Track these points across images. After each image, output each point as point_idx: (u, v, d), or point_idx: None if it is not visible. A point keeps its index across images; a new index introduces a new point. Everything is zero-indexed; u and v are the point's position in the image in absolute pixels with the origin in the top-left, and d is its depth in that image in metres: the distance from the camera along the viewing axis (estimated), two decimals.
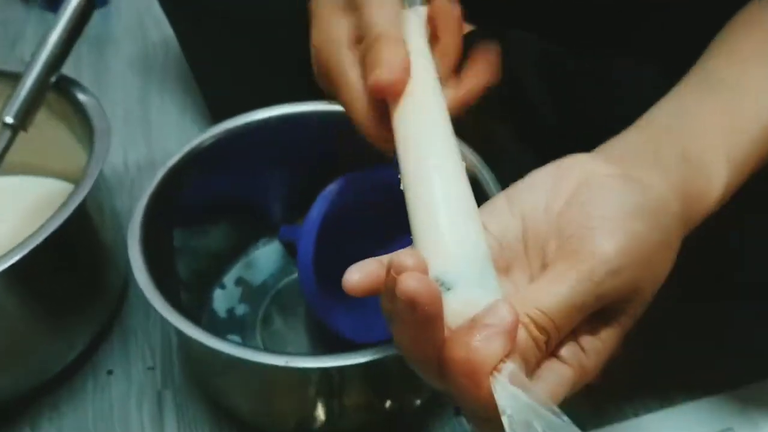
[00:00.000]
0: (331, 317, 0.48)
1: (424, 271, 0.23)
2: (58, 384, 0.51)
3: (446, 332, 0.23)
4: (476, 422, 0.25)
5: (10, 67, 0.56)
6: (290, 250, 0.59)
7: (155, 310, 0.40)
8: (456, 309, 0.24)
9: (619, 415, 0.49)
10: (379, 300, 0.41)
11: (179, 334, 0.42)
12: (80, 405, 0.50)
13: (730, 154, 0.30)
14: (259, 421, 0.48)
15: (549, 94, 0.54)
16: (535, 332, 0.24)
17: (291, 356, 0.38)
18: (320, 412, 0.45)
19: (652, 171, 0.28)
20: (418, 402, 0.48)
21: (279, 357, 0.38)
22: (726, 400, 0.50)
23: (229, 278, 0.58)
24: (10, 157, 0.50)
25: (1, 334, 0.45)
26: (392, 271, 0.23)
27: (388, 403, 0.46)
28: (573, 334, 0.26)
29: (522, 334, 0.23)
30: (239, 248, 0.59)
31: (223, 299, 0.56)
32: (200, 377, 0.51)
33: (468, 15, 0.68)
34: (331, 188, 0.48)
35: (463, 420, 0.49)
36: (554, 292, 0.24)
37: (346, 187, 0.47)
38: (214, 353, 0.39)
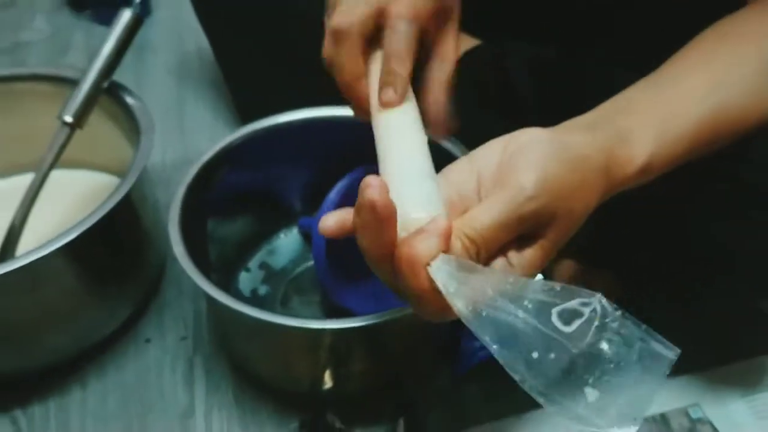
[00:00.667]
0: (340, 295, 0.55)
1: (386, 190, 0.30)
2: (104, 349, 0.58)
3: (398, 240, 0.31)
4: (418, 309, 0.32)
5: (69, 71, 0.64)
6: (308, 239, 0.66)
7: (188, 289, 0.47)
8: (406, 223, 0.31)
9: None
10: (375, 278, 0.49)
11: (210, 302, 0.49)
12: (122, 368, 0.57)
13: (659, 135, 0.36)
14: (276, 382, 0.54)
15: (537, 92, 0.59)
16: (467, 243, 0.30)
17: (304, 319, 0.45)
18: (329, 375, 0.51)
19: (582, 135, 0.35)
20: (417, 368, 0.54)
21: (293, 319, 0.45)
22: (694, 379, 0.55)
23: (253, 262, 0.65)
24: (66, 152, 0.58)
25: (59, 301, 0.52)
26: (360, 189, 0.29)
27: (388, 369, 0.52)
28: (503, 252, 0.32)
29: (457, 244, 0.30)
30: (263, 236, 0.66)
31: (247, 281, 0.63)
32: (226, 344, 0.58)
33: (468, 25, 0.74)
34: (344, 182, 0.54)
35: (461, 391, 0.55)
36: (484, 213, 0.31)
37: (357, 180, 0.54)
38: (239, 317, 0.46)
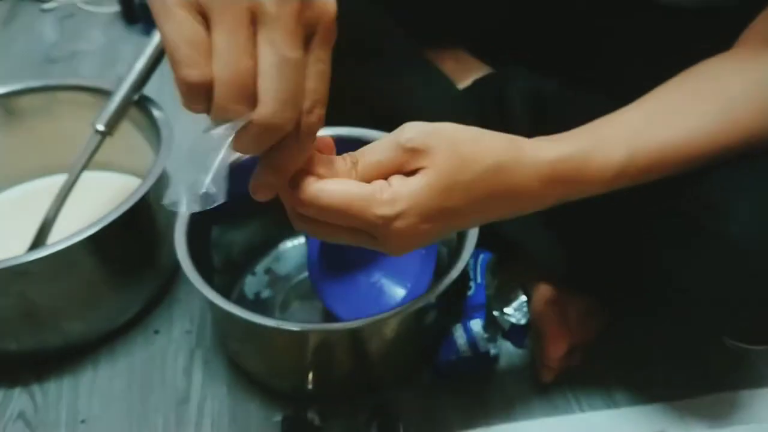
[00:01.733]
0: (329, 299, 0.59)
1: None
2: (116, 336, 0.64)
3: None
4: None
5: (108, 83, 0.70)
6: None
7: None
8: None
9: (567, 409, 0.58)
10: (371, 290, 0.54)
11: (205, 301, 0.53)
12: (131, 354, 0.63)
13: (631, 149, 0.41)
14: (264, 379, 0.59)
15: (532, 124, 0.62)
16: (348, 160, 0.36)
17: (286, 321, 0.49)
18: (311, 375, 0.55)
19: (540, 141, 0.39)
20: (396, 373, 0.58)
21: (276, 321, 0.49)
22: (663, 407, 0.57)
23: (260, 267, 0.70)
24: (97, 156, 0.64)
25: (80, 289, 0.58)
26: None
27: (367, 372, 0.56)
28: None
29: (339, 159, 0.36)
30: (271, 243, 0.71)
31: (252, 284, 0.68)
32: (222, 340, 0.63)
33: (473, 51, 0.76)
34: None
35: (438, 396, 0.59)
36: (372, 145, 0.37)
37: None
38: (230, 317, 0.50)
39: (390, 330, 0.53)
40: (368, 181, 0.36)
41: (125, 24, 1.12)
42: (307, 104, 0.32)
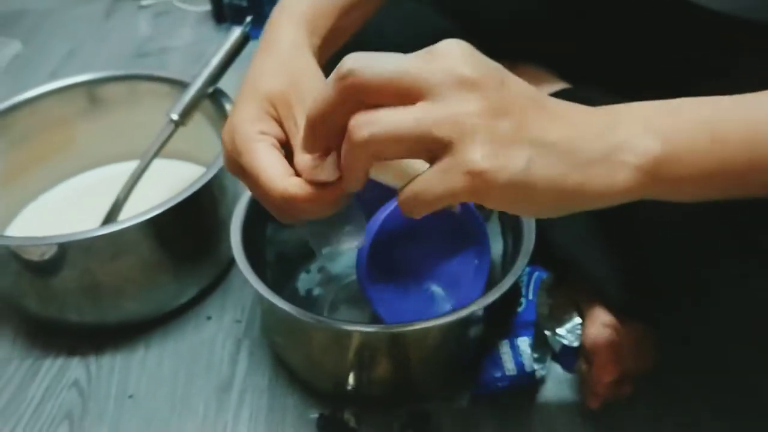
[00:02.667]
0: (376, 302, 0.58)
1: None
2: (169, 319, 0.66)
3: None
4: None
5: (187, 76, 0.73)
6: None
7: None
8: None
9: None
10: (420, 298, 0.53)
11: (254, 292, 0.54)
12: (181, 337, 0.65)
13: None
14: (304, 376, 0.59)
15: None
16: None
17: (331, 319, 0.49)
18: (352, 376, 0.55)
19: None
20: (435, 382, 0.56)
21: (312, 316, 0.49)
22: None
23: (314, 265, 0.70)
24: (170, 146, 0.67)
25: (137, 271, 0.61)
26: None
27: (408, 378, 0.55)
28: None
29: None
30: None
31: (305, 281, 0.69)
32: (267, 333, 0.64)
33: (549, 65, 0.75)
34: (387, 209, 0.58)
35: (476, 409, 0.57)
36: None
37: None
38: (272, 308, 0.51)
39: (432, 337, 0.52)
40: None
41: (214, 23, 1.16)
42: None
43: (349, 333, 0.51)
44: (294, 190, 0.37)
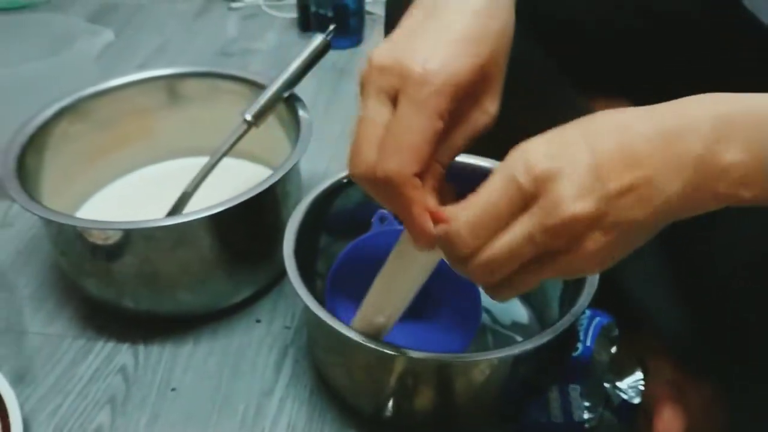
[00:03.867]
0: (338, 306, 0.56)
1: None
2: (221, 317, 0.66)
3: None
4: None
5: (266, 79, 0.73)
6: None
7: None
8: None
9: None
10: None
11: (300, 303, 0.53)
12: (230, 336, 0.65)
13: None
14: (344, 394, 0.58)
15: None
16: None
17: (368, 338, 0.48)
18: (392, 402, 0.53)
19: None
20: (478, 419, 0.54)
21: (359, 334, 0.48)
22: None
23: None
24: (242, 145, 0.67)
25: (196, 263, 0.61)
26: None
27: (450, 412, 0.53)
28: None
29: None
30: None
31: None
32: (311, 345, 0.63)
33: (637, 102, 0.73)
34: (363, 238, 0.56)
35: None
36: None
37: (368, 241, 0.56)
38: (316, 320, 0.50)
39: (480, 372, 0.50)
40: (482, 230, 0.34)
41: (299, 30, 1.18)
42: None
43: (392, 357, 0.49)
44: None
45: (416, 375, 0.51)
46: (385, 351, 0.48)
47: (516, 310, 0.65)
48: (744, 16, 0.57)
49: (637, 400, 0.55)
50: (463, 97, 0.38)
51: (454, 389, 0.51)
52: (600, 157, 0.33)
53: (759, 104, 0.33)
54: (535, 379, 0.54)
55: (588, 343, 0.54)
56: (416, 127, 0.36)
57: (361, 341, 0.48)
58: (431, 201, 0.38)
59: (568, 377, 0.53)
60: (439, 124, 0.37)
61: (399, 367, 0.50)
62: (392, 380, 0.51)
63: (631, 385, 0.57)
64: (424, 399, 0.52)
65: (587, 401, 0.53)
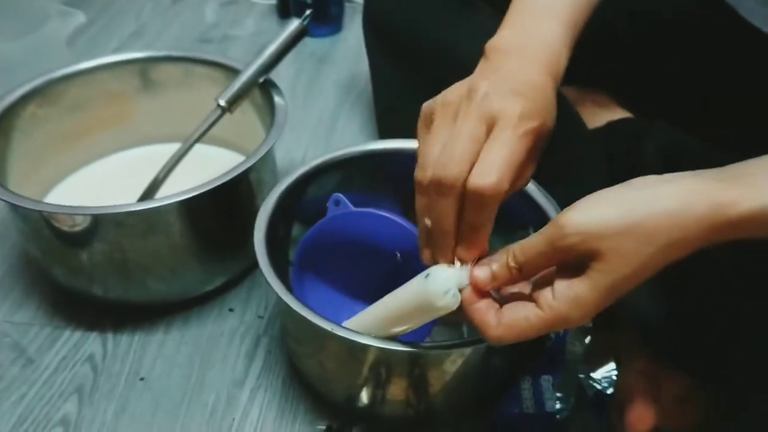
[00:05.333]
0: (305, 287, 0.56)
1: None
2: (192, 306, 0.65)
3: None
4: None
5: (242, 64, 0.72)
6: None
7: None
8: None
9: None
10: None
11: (273, 292, 0.52)
12: (202, 325, 0.64)
13: None
14: (314, 383, 0.57)
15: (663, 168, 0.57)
16: (510, 255, 0.39)
17: (341, 327, 0.47)
18: (365, 392, 0.53)
19: (685, 177, 0.36)
20: (451, 410, 0.54)
21: (331, 324, 0.47)
22: None
23: None
24: (213, 131, 0.66)
25: (167, 250, 0.60)
26: None
27: (423, 402, 0.52)
28: (550, 281, 0.37)
29: (503, 255, 0.39)
30: None
31: None
32: (283, 335, 0.62)
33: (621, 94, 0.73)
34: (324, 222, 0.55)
35: None
36: (530, 240, 0.38)
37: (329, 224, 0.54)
38: (288, 309, 0.49)
39: (452, 362, 0.49)
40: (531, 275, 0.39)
41: (278, 17, 1.16)
42: None
43: (365, 347, 0.48)
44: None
45: (388, 365, 0.50)
46: (357, 341, 0.47)
47: None
48: (738, 21, 0.57)
49: (610, 391, 0.55)
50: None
51: (426, 379, 0.50)
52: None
53: None
54: (508, 370, 0.54)
55: (561, 334, 0.54)
56: (517, 150, 0.40)
57: (332, 331, 0.47)
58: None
59: (540, 368, 0.53)
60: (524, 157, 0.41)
61: (371, 357, 0.49)
62: (364, 370, 0.51)
63: (604, 375, 0.57)
64: (397, 389, 0.52)
65: (559, 392, 0.52)
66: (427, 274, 0.42)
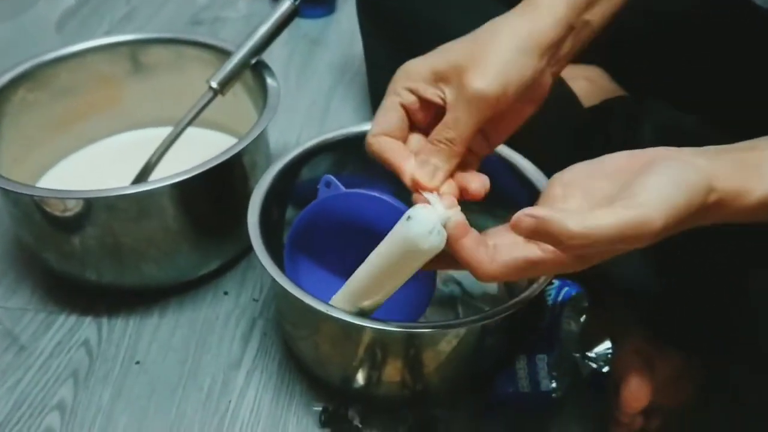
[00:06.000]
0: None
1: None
2: (187, 289, 0.65)
3: None
4: None
5: (225, 45, 0.71)
6: None
7: None
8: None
9: None
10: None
11: (268, 275, 0.51)
12: (197, 308, 0.64)
13: None
14: (313, 366, 0.57)
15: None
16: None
17: (336, 308, 0.47)
18: (360, 373, 0.52)
19: (706, 160, 0.35)
20: (447, 390, 0.54)
21: (326, 305, 0.47)
22: None
23: None
24: (205, 114, 0.65)
25: (161, 234, 0.59)
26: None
27: (418, 382, 0.52)
28: None
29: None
30: None
31: None
32: (279, 318, 0.61)
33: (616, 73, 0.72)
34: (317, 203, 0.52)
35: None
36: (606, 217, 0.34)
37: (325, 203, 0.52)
38: (283, 292, 0.48)
39: (448, 342, 0.49)
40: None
41: (269, 0, 1.15)
42: None
43: (360, 328, 0.48)
44: None
45: (384, 346, 0.50)
46: (353, 322, 0.47)
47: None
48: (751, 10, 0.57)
49: (606, 369, 0.55)
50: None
51: (421, 360, 0.50)
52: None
53: None
54: (503, 349, 0.54)
55: (556, 313, 0.54)
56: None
57: (327, 312, 0.47)
58: None
59: (536, 347, 0.53)
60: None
61: (366, 338, 0.49)
62: (360, 351, 0.51)
63: (600, 354, 0.57)
64: (393, 370, 0.52)
65: (555, 371, 0.52)
66: (408, 216, 0.40)
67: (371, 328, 0.48)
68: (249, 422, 0.55)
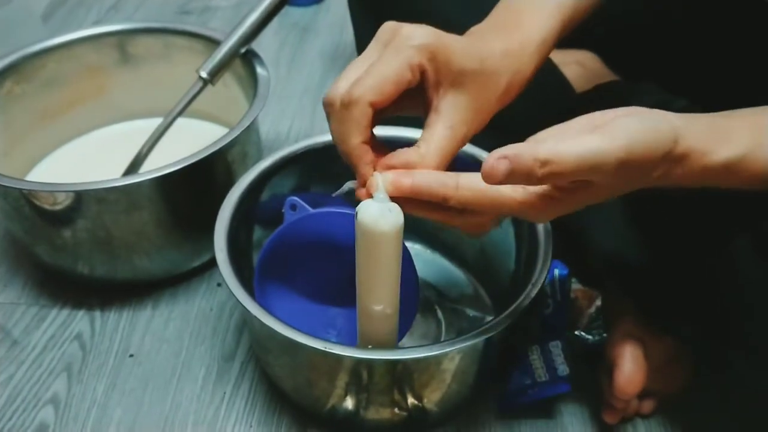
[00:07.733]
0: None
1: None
2: (180, 281, 0.65)
3: None
4: None
5: (215, 35, 0.70)
6: None
7: None
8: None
9: None
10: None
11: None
12: (190, 300, 0.63)
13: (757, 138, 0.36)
14: (295, 397, 0.54)
15: None
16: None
17: (298, 332, 0.44)
18: (348, 401, 0.49)
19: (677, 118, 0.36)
20: (436, 411, 0.51)
21: (319, 341, 0.44)
22: None
23: None
24: (195, 104, 0.65)
25: (151, 226, 0.59)
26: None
27: (408, 405, 0.49)
28: None
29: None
30: None
31: None
32: (258, 356, 0.58)
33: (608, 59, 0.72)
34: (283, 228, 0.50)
35: None
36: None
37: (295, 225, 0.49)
38: (258, 322, 0.46)
39: (446, 365, 0.47)
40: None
41: None
42: None
43: (340, 357, 0.45)
44: None
45: (366, 376, 0.47)
46: (332, 352, 0.44)
47: (460, 282, 0.64)
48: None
49: (598, 338, 0.55)
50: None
51: (413, 386, 0.48)
52: None
53: None
54: (508, 348, 0.53)
55: (558, 298, 0.53)
56: (393, 64, 0.38)
57: (324, 349, 0.44)
58: None
59: (545, 336, 0.52)
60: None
61: (348, 365, 0.46)
62: (345, 380, 0.47)
63: (587, 327, 0.56)
64: (384, 396, 0.48)
65: (567, 355, 0.52)
66: (356, 213, 0.39)
67: (351, 357, 0.45)
68: (244, 414, 0.55)
